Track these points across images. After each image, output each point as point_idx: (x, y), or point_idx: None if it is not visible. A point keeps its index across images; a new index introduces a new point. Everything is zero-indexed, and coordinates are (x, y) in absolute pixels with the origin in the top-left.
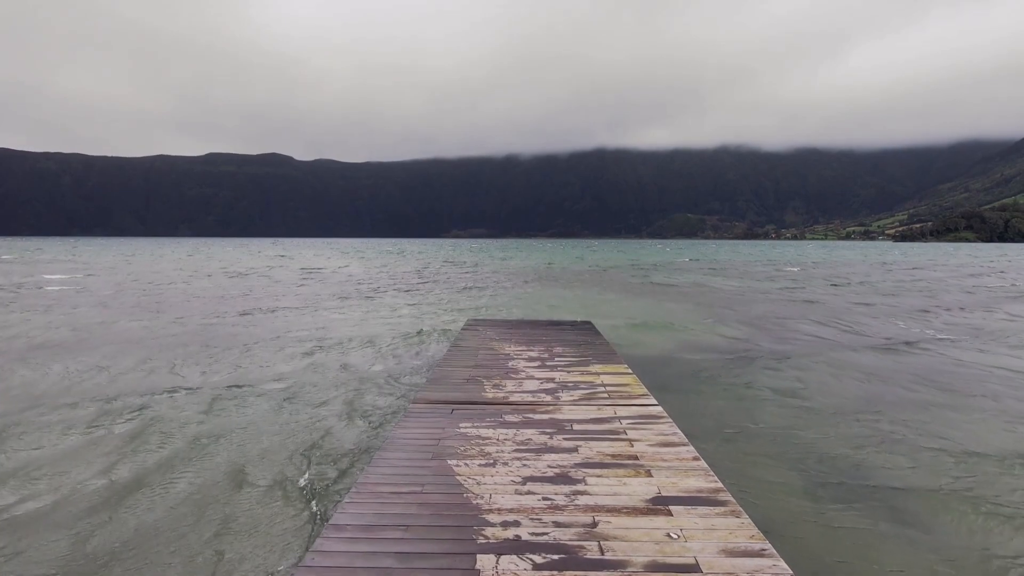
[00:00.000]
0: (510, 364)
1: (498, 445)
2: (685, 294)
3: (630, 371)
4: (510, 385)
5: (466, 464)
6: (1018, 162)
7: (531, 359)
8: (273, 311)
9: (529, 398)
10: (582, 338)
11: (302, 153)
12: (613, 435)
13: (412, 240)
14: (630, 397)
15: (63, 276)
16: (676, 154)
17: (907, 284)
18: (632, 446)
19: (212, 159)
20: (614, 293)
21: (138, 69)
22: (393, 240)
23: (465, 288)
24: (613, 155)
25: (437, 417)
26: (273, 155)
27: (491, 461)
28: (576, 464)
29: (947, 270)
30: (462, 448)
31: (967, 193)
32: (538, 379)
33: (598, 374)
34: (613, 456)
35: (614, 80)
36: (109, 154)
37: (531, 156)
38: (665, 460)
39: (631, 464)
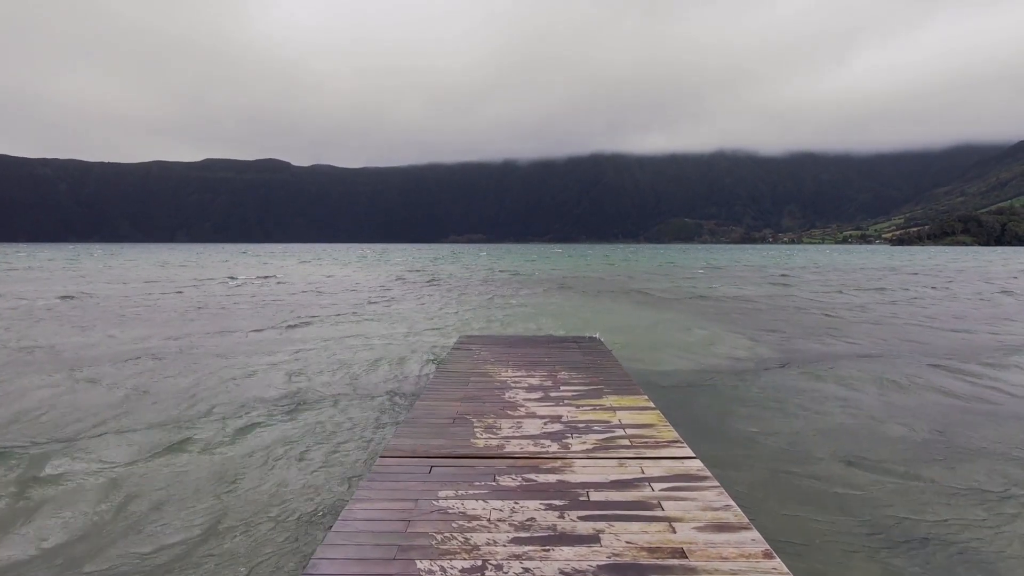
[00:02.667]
0: (507, 395)
1: (490, 531)
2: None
3: (652, 404)
4: (506, 427)
5: (443, 570)
6: (1013, 166)
7: (532, 388)
8: (227, 343)
9: (530, 446)
10: (590, 359)
11: (300, 158)
12: (645, 509)
13: (412, 245)
14: (657, 445)
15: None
16: (673, 159)
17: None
18: (674, 530)
19: (209, 165)
20: (688, 314)
21: (136, 74)
22: (392, 245)
23: (488, 299)
24: (610, 160)
25: (410, 480)
26: (271, 160)
27: (479, 562)
28: (600, 567)
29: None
30: (439, 537)
31: (963, 197)
32: (541, 417)
33: (613, 409)
34: (650, 550)
35: (615, 83)
36: (106, 160)
37: (529, 161)
38: (725, 558)
39: (679, 567)
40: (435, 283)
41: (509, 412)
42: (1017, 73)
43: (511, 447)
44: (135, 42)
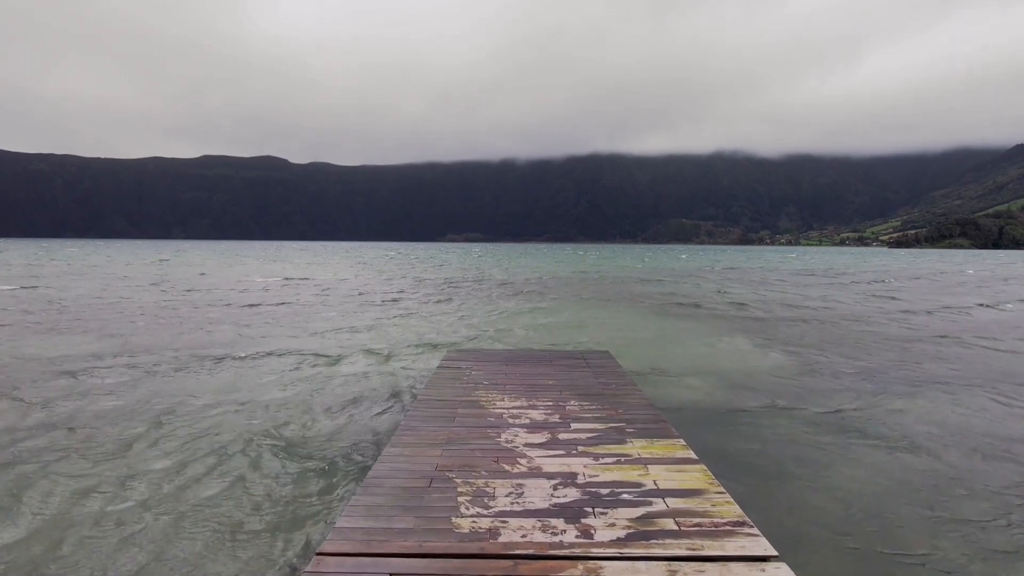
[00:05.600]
0: (503, 437)
1: None
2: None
3: (692, 454)
4: (502, 494)
5: None
6: (1010, 170)
7: (535, 425)
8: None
9: (537, 532)
10: (602, 382)
11: (297, 156)
12: None
13: (410, 244)
14: (716, 531)
15: None
16: (671, 160)
17: None
18: None
19: (206, 162)
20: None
21: (132, 69)
22: (390, 244)
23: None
24: (609, 160)
25: None
26: (268, 158)
27: None
28: None
29: None
30: None
31: (960, 200)
32: (549, 475)
33: (644, 463)
34: None
35: (617, 84)
36: (102, 156)
37: (527, 161)
38: None
39: None
40: (449, 290)
41: (506, 466)
42: (1015, 76)
43: (509, 534)
44: (132, 38)
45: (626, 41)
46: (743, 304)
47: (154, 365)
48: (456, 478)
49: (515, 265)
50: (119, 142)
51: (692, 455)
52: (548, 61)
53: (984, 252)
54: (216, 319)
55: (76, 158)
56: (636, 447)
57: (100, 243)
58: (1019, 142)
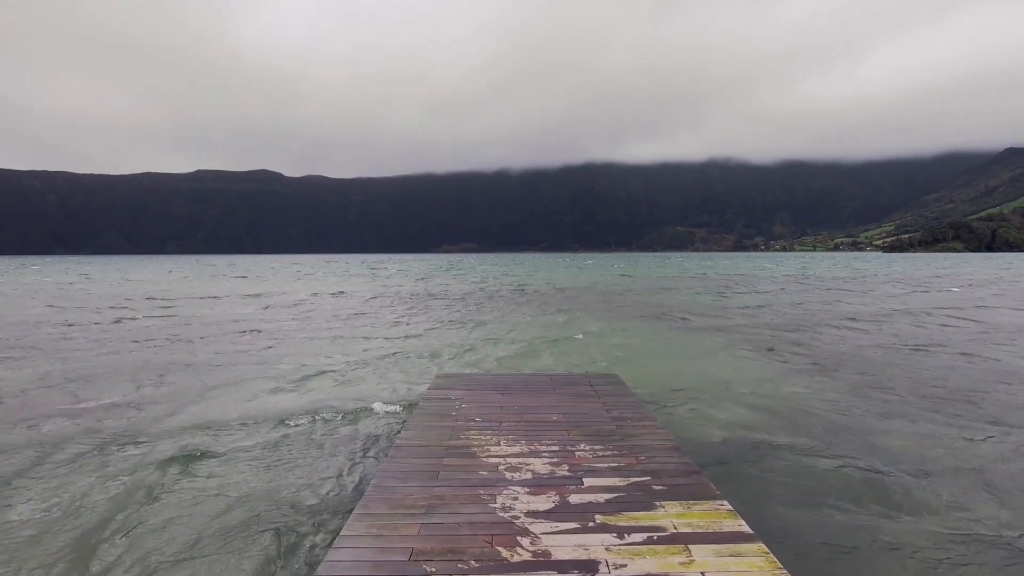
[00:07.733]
0: (499, 504)
1: None
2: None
3: (744, 526)
4: None
5: None
6: (1001, 173)
7: (538, 485)
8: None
9: None
10: (615, 415)
11: (291, 169)
12: None
13: (406, 256)
14: None
15: None
16: (665, 168)
17: None
18: None
19: (200, 176)
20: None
21: (125, 85)
22: (387, 256)
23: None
24: (603, 169)
25: None
26: (263, 172)
27: None
28: None
29: None
30: None
31: (952, 204)
32: (561, 569)
33: (683, 542)
34: None
35: (612, 92)
36: (95, 172)
37: (521, 170)
38: None
39: None
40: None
41: (503, 550)
42: (1006, 80)
43: None
44: (124, 53)
45: (621, 48)
46: (814, 325)
47: None
48: (438, 574)
49: (524, 276)
50: (113, 157)
51: (745, 527)
52: (542, 70)
53: (983, 255)
54: (179, 352)
55: (69, 174)
56: (670, 514)
57: (98, 259)
58: (1010, 145)
